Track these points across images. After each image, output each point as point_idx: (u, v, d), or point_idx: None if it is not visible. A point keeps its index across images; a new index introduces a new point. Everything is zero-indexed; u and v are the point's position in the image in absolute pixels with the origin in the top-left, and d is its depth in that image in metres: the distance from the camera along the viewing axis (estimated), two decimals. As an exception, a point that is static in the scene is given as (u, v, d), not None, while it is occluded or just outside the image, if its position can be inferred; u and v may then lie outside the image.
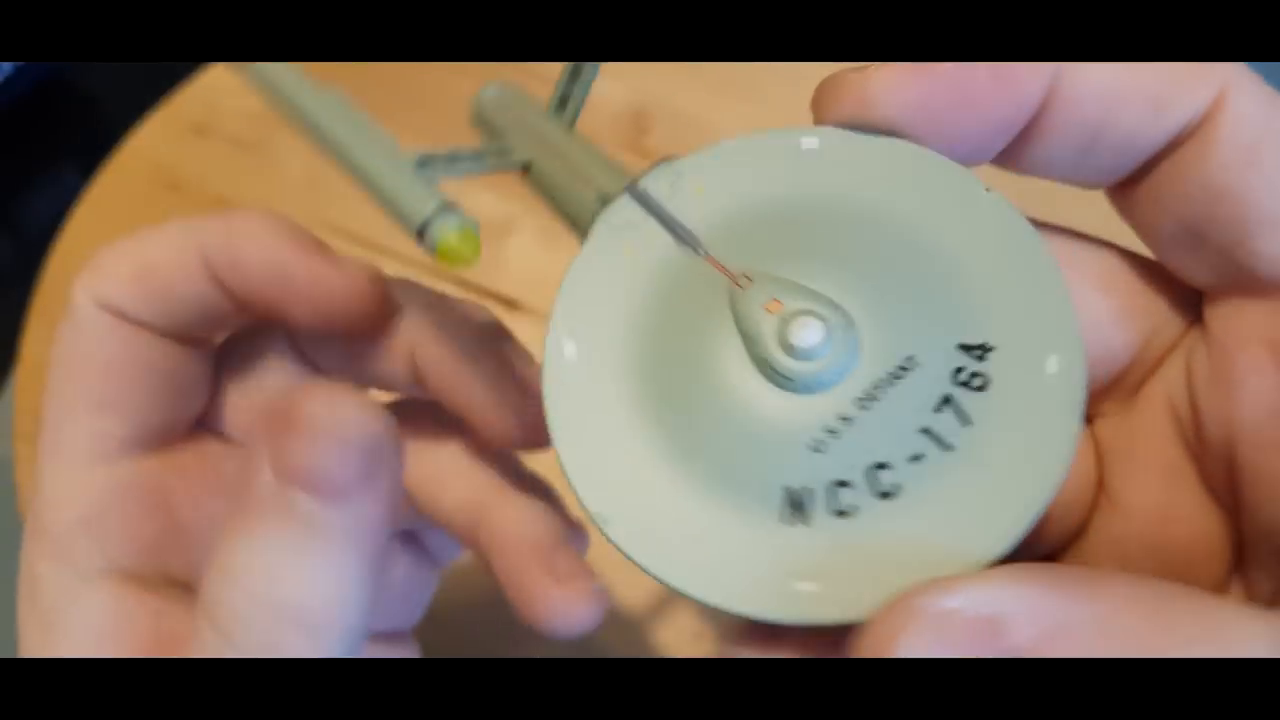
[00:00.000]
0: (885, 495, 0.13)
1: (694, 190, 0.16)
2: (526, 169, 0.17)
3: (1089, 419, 0.18)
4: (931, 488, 0.13)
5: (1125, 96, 0.15)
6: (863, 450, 0.14)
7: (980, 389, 0.14)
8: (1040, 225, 0.17)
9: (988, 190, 0.15)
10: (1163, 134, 0.15)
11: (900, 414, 0.14)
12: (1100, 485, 0.18)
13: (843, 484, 0.14)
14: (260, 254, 0.19)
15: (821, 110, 0.16)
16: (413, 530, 0.24)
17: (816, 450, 0.14)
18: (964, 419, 0.14)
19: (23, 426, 0.39)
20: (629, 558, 0.14)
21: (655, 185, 0.16)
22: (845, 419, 0.14)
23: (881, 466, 0.14)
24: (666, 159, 0.16)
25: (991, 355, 0.14)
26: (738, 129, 0.16)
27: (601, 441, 0.14)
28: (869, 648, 0.12)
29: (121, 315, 0.19)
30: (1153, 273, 0.17)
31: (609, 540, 0.14)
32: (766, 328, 0.14)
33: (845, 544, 0.13)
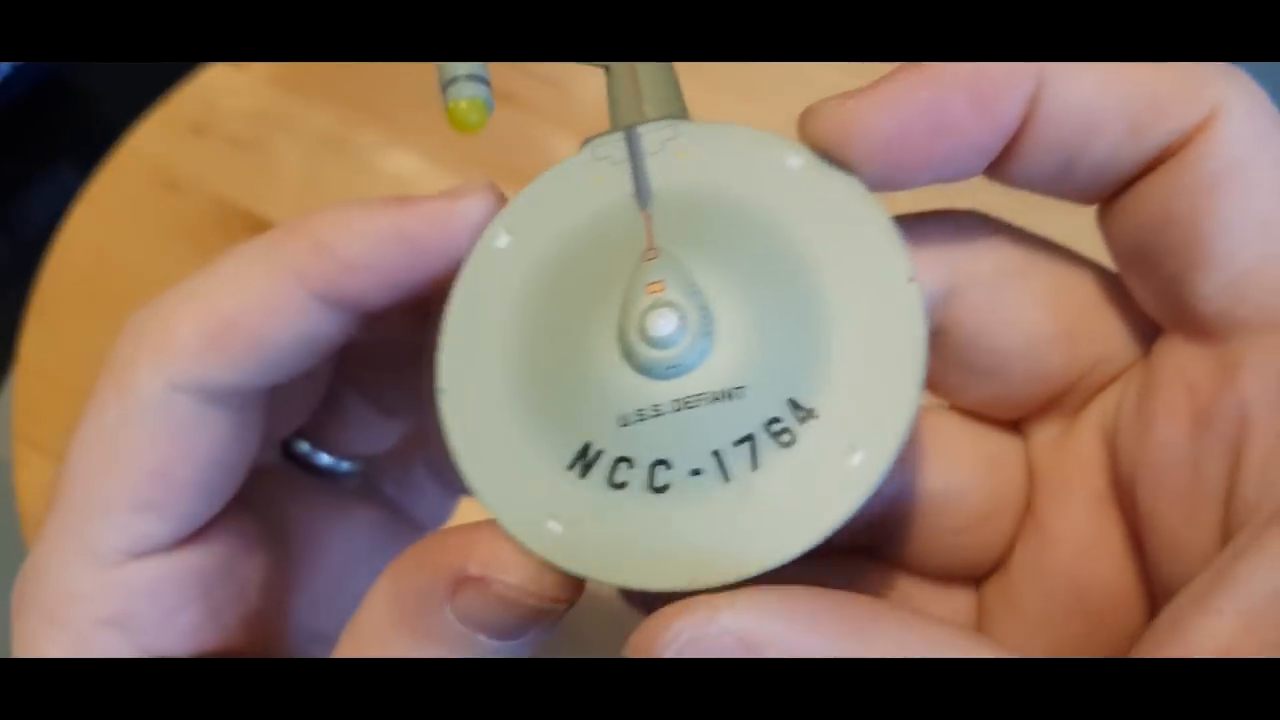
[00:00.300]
0: (656, 489, 0.14)
1: (677, 154, 0.16)
2: (607, 68, 0.17)
3: (1025, 436, 0.18)
4: (693, 503, 0.14)
5: (1103, 119, 0.14)
6: (656, 443, 0.15)
7: (785, 445, 0.14)
8: (1020, 233, 0.16)
9: (910, 280, 0.15)
10: (1141, 155, 0.14)
11: (702, 431, 0.15)
12: (1029, 509, 0.18)
13: (627, 462, 0.15)
14: (367, 238, 0.16)
15: (804, 138, 0.15)
16: (402, 504, 0.23)
17: (623, 424, 0.15)
18: (754, 463, 0.14)
19: (21, 427, 0.39)
20: (444, 435, 0.15)
21: (650, 136, 0.16)
22: (657, 411, 0.15)
23: (662, 464, 0.15)
24: (678, 118, 0.16)
25: (811, 422, 0.14)
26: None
27: (476, 327, 0.16)
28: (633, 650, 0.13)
29: (204, 390, 0.16)
30: (1121, 298, 0.16)
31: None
32: (638, 303, 0.15)
33: (603, 508, 0.15)
